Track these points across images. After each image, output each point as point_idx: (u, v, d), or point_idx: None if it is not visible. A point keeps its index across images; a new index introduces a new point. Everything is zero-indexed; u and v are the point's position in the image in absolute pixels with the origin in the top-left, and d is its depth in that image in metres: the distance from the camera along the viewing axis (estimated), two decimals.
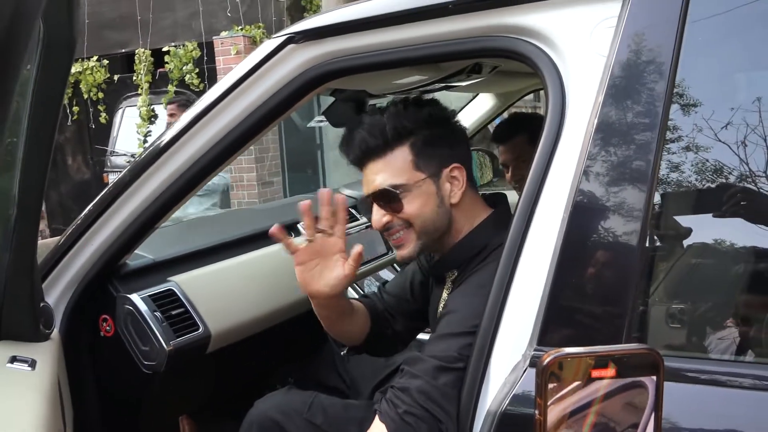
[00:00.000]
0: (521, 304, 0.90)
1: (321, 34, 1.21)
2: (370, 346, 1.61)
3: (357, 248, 1.33)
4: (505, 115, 2.66)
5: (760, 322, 0.81)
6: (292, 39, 1.23)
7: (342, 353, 1.96)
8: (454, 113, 1.48)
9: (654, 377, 0.60)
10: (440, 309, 1.40)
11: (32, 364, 1.20)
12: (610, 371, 0.59)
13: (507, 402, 0.84)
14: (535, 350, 0.85)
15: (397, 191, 1.33)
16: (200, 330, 1.62)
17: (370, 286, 2.68)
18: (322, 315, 1.47)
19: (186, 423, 2.14)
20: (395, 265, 2.55)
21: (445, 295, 1.41)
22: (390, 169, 1.34)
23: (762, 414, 0.75)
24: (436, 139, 1.35)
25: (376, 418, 1.22)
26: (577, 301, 0.84)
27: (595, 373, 0.59)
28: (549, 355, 0.59)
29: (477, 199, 1.42)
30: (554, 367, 0.59)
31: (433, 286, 1.52)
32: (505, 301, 0.92)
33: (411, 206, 1.33)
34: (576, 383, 0.60)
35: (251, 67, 1.27)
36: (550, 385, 0.59)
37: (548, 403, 0.59)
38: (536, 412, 0.60)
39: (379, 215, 1.37)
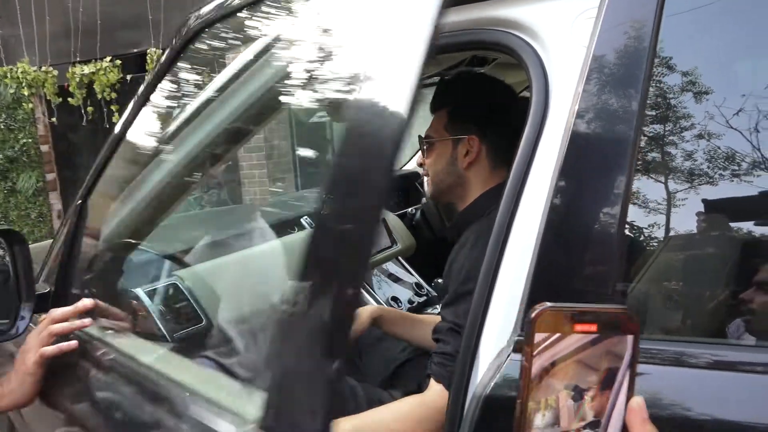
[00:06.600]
0: (508, 291, 0.92)
1: None
2: None
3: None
4: None
5: (738, 305, 0.82)
6: None
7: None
8: (512, 99, 1.75)
9: (631, 336, 0.65)
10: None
11: None
12: (593, 327, 0.64)
13: (491, 386, 0.85)
14: (518, 336, 0.86)
15: (426, 141, 1.71)
16: (203, 324, 1.65)
17: (379, 281, 2.69)
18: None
19: None
20: (400, 257, 2.57)
21: None
22: (433, 124, 1.73)
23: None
24: (467, 113, 1.68)
25: (431, 381, 1.40)
26: (559, 289, 0.85)
27: (578, 327, 0.64)
28: (535, 309, 0.64)
29: (496, 170, 1.67)
30: (541, 319, 0.64)
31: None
32: (493, 288, 0.94)
33: (430, 157, 1.70)
34: (559, 335, 0.64)
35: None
36: (537, 335, 0.64)
37: (534, 352, 0.64)
38: (522, 359, 0.65)
39: (419, 155, 1.80)
